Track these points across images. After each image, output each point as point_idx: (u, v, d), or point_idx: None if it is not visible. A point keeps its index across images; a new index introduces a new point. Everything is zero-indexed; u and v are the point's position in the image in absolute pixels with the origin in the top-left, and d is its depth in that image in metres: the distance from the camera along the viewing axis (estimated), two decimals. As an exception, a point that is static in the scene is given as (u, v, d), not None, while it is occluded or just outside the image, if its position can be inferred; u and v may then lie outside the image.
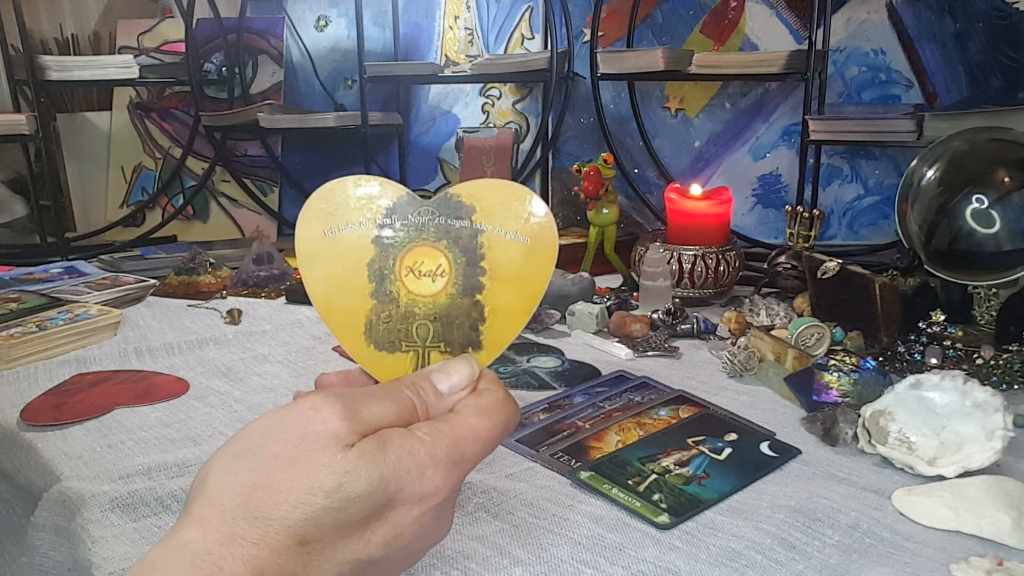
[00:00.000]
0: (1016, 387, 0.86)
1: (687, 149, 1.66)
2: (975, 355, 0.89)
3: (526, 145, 1.81)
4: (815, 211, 1.23)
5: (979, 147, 1.02)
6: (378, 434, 0.35)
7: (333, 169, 1.81)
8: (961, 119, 1.14)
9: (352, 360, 0.43)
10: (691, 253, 1.22)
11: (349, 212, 0.42)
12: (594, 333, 1.09)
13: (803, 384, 0.82)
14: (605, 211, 1.29)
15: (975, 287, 1.00)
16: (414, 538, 0.35)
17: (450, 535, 0.39)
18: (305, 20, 1.92)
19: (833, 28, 1.44)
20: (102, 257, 1.58)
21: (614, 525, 0.61)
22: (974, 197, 0.98)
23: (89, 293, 1.24)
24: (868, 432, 0.71)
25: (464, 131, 1.84)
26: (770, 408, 0.84)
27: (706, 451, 0.72)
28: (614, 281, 1.36)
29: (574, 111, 1.74)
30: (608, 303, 1.16)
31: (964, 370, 0.85)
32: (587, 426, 0.79)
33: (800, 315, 1.08)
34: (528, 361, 0.99)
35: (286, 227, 1.88)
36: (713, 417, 0.80)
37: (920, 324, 0.92)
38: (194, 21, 1.75)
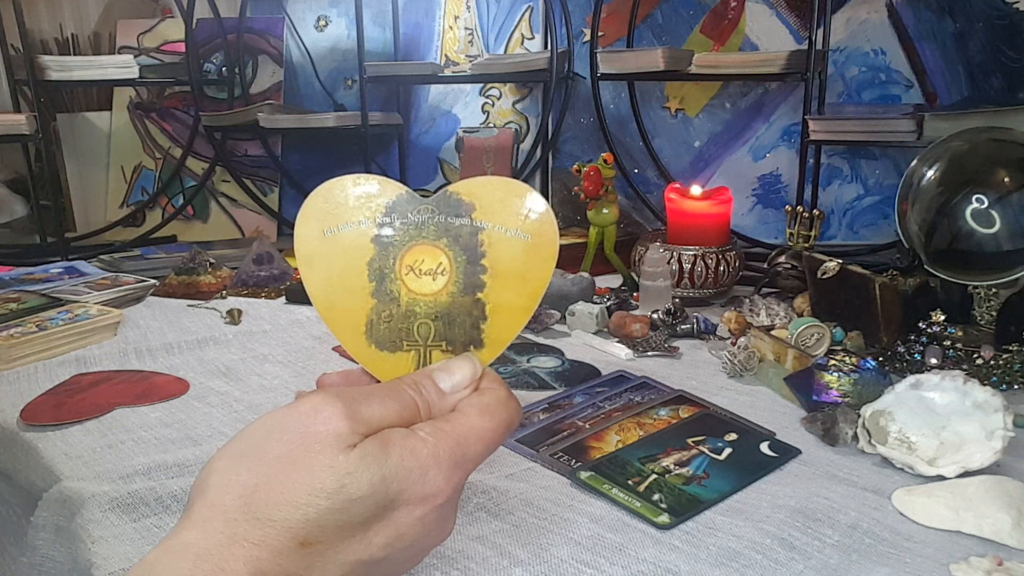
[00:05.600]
0: (1016, 387, 0.86)
1: (687, 149, 1.66)
2: (975, 355, 0.89)
3: (526, 145, 1.81)
4: (815, 211, 1.23)
5: (979, 147, 1.02)
6: (380, 434, 0.35)
7: (333, 169, 1.81)
8: (961, 119, 1.14)
9: (353, 360, 0.43)
10: (691, 253, 1.22)
11: (348, 211, 0.42)
12: (594, 333, 1.09)
13: (803, 384, 0.82)
14: (605, 211, 1.29)
15: (975, 287, 1.00)
16: (416, 538, 0.35)
17: (450, 535, 0.39)
18: (305, 20, 1.92)
19: (833, 28, 1.44)
20: (102, 257, 1.57)
21: (614, 525, 0.61)
22: (974, 197, 0.98)
23: (89, 293, 1.24)
24: (868, 432, 0.71)
25: (464, 131, 1.84)
26: (770, 408, 0.84)
27: (706, 451, 0.72)
28: (614, 281, 1.36)
29: (574, 111, 1.74)
30: (608, 303, 1.16)
31: (964, 370, 0.85)
32: (587, 426, 0.79)
33: (800, 315, 1.08)
34: (528, 361, 0.99)
35: (286, 227, 1.88)
36: (713, 417, 0.80)
37: (920, 324, 0.92)
38: (194, 21, 1.75)
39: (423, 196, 0.43)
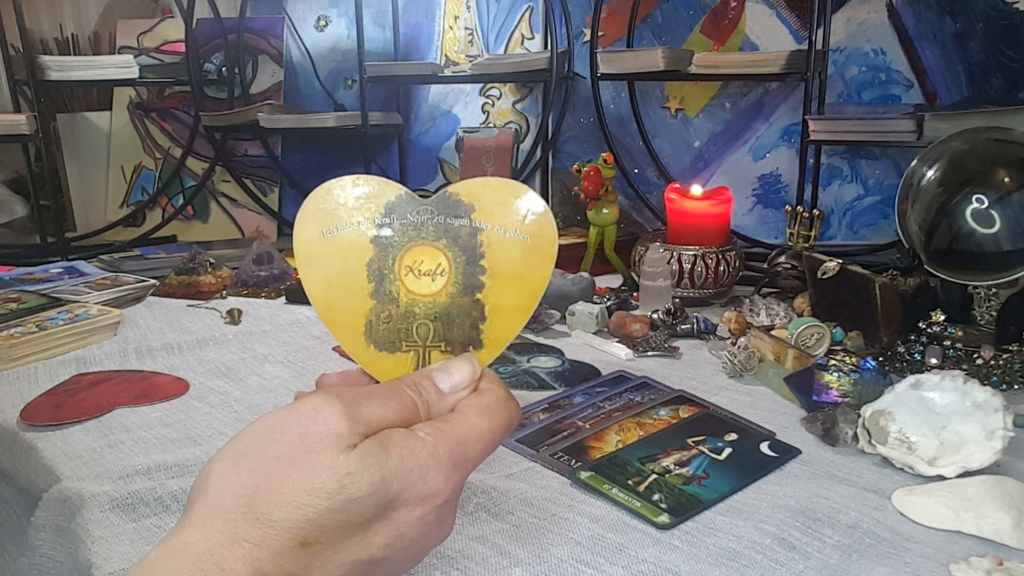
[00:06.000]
0: (1016, 387, 0.86)
1: (687, 149, 1.66)
2: (975, 355, 0.89)
3: (526, 145, 1.81)
4: (815, 211, 1.23)
5: (979, 147, 1.02)
6: (380, 435, 0.35)
7: (333, 169, 1.81)
8: (961, 119, 1.14)
9: (352, 360, 0.43)
10: (691, 253, 1.22)
11: (347, 212, 0.42)
12: (594, 333, 1.09)
13: (803, 384, 0.82)
14: (605, 211, 1.29)
15: (975, 287, 1.00)
16: (416, 539, 0.35)
17: (450, 535, 0.39)
18: (305, 20, 1.92)
19: (833, 28, 1.44)
20: (102, 257, 1.57)
21: (614, 525, 0.61)
22: (974, 197, 0.98)
23: (89, 293, 1.24)
24: (868, 432, 0.71)
25: (464, 131, 1.84)
26: (770, 408, 0.84)
27: (706, 451, 0.72)
28: (614, 281, 1.36)
29: (574, 111, 1.74)
30: (608, 303, 1.16)
31: (964, 370, 0.85)
32: (587, 426, 0.79)
33: (800, 315, 1.08)
34: (528, 361, 0.99)
35: (286, 227, 1.88)
36: (713, 417, 0.80)
37: (920, 324, 0.92)
38: (194, 21, 1.75)
39: (422, 197, 0.43)
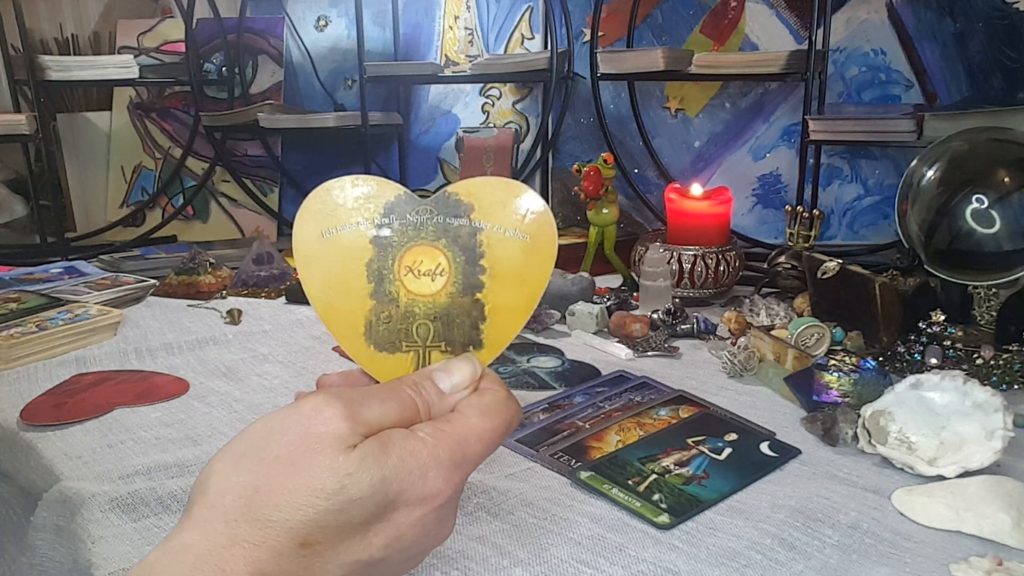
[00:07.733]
0: (1016, 387, 0.86)
1: (687, 149, 1.66)
2: (975, 355, 0.89)
3: (526, 145, 1.81)
4: (815, 211, 1.23)
5: (979, 147, 1.02)
6: (380, 435, 0.35)
7: (333, 169, 1.81)
8: (961, 119, 1.14)
9: (352, 360, 0.43)
10: (691, 253, 1.22)
11: (346, 212, 0.42)
12: (594, 333, 1.09)
13: (803, 384, 0.82)
14: (605, 211, 1.29)
15: (975, 287, 1.00)
16: (416, 539, 0.35)
17: (450, 536, 0.39)
18: (305, 20, 1.92)
19: (833, 28, 1.44)
20: (102, 257, 1.57)
21: (614, 525, 0.61)
22: (974, 197, 0.98)
23: (89, 293, 1.24)
24: (868, 432, 0.71)
25: (464, 131, 1.84)
26: (770, 408, 0.83)
27: (706, 451, 0.72)
28: (614, 281, 1.36)
29: (574, 111, 1.74)
30: (608, 303, 1.16)
31: (964, 370, 0.85)
32: (587, 426, 0.79)
33: (800, 315, 1.08)
34: (528, 361, 0.99)
35: (286, 227, 1.88)
36: (713, 417, 0.80)
37: (920, 324, 0.92)
38: (194, 21, 1.75)
39: (422, 197, 0.43)
